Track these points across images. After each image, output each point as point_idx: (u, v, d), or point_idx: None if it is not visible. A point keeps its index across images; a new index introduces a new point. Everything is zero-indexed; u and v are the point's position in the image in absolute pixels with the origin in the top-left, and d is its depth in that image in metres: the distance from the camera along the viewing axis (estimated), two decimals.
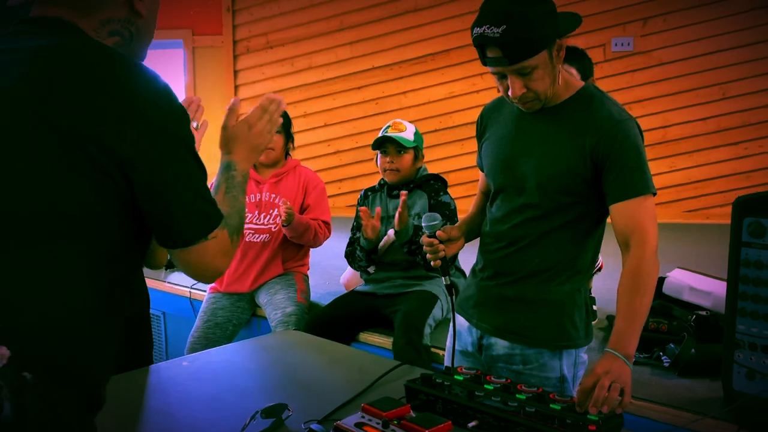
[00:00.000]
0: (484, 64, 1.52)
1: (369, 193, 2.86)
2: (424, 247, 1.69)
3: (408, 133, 2.66)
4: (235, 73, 6.19)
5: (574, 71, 2.38)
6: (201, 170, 1.08)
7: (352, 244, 2.82)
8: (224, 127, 1.28)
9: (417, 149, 2.70)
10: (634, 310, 1.44)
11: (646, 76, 5.58)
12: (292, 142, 3.03)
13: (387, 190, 2.77)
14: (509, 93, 1.53)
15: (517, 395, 1.37)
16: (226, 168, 1.22)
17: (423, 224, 1.70)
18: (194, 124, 1.37)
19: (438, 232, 1.68)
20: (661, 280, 2.50)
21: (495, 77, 1.55)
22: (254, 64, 6.17)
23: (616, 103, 1.58)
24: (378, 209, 2.62)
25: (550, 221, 1.58)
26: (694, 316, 2.26)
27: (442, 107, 5.87)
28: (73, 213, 0.96)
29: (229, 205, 1.15)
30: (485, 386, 1.42)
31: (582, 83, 1.62)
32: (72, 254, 0.96)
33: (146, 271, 2.52)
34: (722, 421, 1.78)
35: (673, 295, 2.42)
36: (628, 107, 6.04)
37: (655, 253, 1.49)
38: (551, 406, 1.32)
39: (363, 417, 1.31)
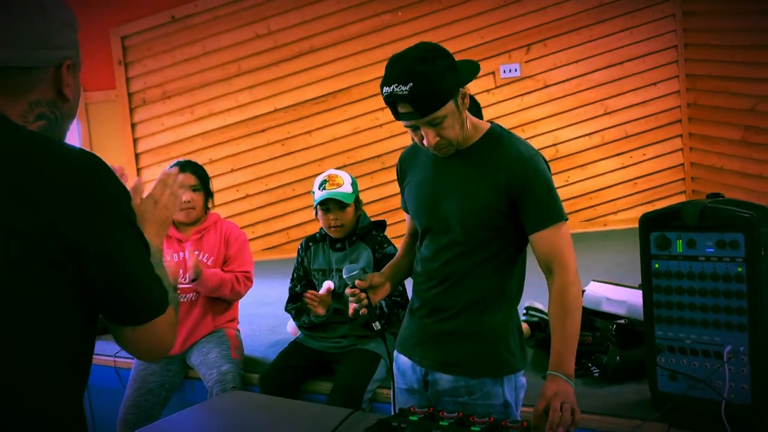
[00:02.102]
0: (397, 119, 1.60)
1: (310, 243, 2.76)
2: (349, 298, 1.74)
3: (346, 186, 2.61)
4: (133, 126, 6.01)
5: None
6: (147, 248, 1.10)
7: (294, 299, 2.72)
8: None
9: (357, 199, 2.64)
10: (567, 331, 1.56)
11: (534, 98, 5.90)
12: (212, 198, 2.99)
13: (330, 241, 2.69)
14: (424, 142, 1.61)
15: (472, 427, 1.43)
16: None
17: (344, 276, 1.75)
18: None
19: (357, 281, 1.73)
20: None
21: (409, 129, 1.63)
22: (152, 116, 6.01)
23: (522, 140, 1.71)
24: (329, 286, 2.54)
25: (475, 256, 1.67)
26: (615, 326, 2.41)
27: (348, 143, 5.94)
28: (37, 308, 0.98)
29: (163, 281, 1.16)
30: (440, 423, 1.47)
31: (488, 125, 1.73)
32: (38, 345, 0.99)
33: None
34: (655, 422, 1.92)
35: (593, 307, 2.56)
36: (521, 129, 6.26)
37: (576, 275, 1.61)
38: None
39: None
